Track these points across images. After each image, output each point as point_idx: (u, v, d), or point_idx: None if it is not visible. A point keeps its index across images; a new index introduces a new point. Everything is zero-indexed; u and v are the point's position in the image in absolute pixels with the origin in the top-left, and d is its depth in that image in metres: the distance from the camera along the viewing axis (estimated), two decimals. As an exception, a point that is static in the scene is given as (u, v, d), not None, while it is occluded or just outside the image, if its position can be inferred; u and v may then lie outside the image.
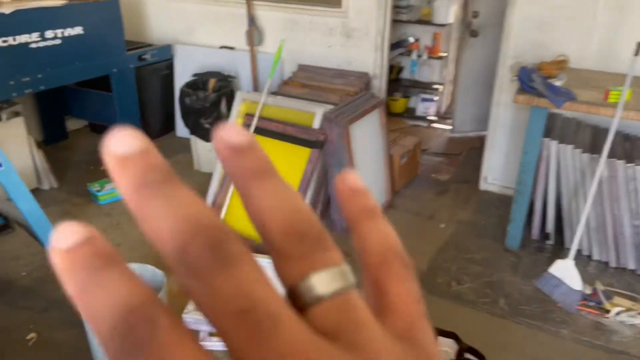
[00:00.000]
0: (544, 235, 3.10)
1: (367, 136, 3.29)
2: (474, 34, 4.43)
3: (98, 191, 3.43)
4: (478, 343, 2.13)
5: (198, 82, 3.81)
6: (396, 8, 4.65)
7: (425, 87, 5.24)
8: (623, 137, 2.92)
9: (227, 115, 3.53)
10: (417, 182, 3.87)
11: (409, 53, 5.16)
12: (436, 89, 5.22)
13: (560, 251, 2.95)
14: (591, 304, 2.61)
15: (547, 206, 3.01)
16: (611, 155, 2.67)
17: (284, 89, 3.73)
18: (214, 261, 0.17)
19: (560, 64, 3.01)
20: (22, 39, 3.20)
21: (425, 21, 4.99)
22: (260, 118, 3.21)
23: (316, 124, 3.09)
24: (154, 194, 0.18)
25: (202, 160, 3.87)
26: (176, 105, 4.03)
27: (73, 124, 4.44)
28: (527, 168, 2.83)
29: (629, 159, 2.72)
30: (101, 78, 3.80)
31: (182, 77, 4.19)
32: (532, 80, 2.72)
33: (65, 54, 3.45)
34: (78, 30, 3.50)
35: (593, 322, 2.53)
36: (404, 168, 3.69)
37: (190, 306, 2.01)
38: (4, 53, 3.11)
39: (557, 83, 2.78)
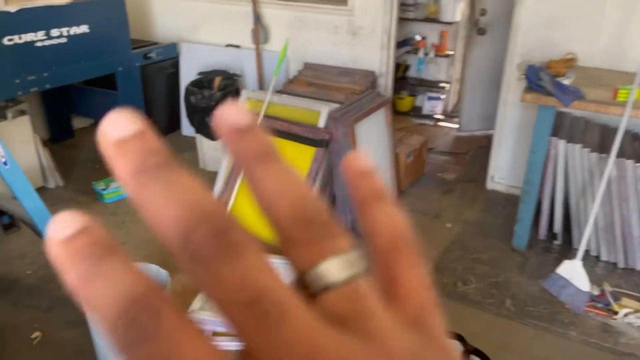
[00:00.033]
0: (552, 236, 3.07)
1: (373, 135, 3.27)
2: (481, 32, 4.40)
3: (103, 190, 3.43)
4: (484, 344, 2.10)
5: (203, 81, 3.81)
6: (403, 6, 4.62)
7: (432, 85, 5.21)
8: (632, 137, 2.89)
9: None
10: (423, 181, 3.85)
11: (415, 51, 5.14)
12: (443, 88, 5.19)
13: (568, 251, 2.93)
14: (599, 305, 2.59)
15: (555, 206, 2.98)
16: (620, 154, 2.64)
17: (289, 87, 3.72)
18: (218, 250, 0.17)
19: (569, 63, 2.98)
20: (28, 37, 3.20)
21: (432, 19, 4.97)
22: (266, 117, 3.20)
23: (321, 122, 3.08)
24: (153, 179, 0.17)
25: (207, 158, 3.87)
26: (181, 103, 4.02)
27: (79, 122, 4.45)
28: (534, 167, 2.81)
29: (638, 158, 2.69)
30: (107, 76, 3.81)
31: (187, 75, 4.18)
32: (540, 79, 2.70)
33: (71, 53, 3.45)
34: (84, 28, 3.51)
35: (601, 323, 2.51)
36: (410, 167, 3.67)
37: (195, 305, 2.00)
38: (9, 52, 3.12)
39: (566, 81, 2.75)
